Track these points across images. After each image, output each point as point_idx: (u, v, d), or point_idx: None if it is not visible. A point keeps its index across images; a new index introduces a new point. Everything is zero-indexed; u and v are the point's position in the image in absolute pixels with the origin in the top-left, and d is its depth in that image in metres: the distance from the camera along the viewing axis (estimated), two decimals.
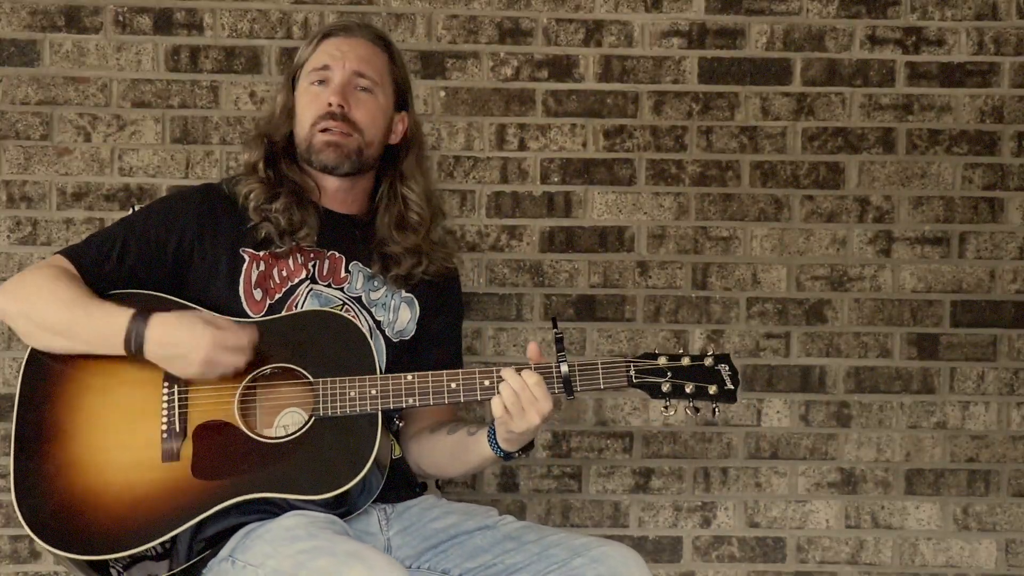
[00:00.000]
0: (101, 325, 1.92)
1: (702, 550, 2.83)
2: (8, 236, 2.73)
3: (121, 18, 2.75)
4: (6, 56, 2.73)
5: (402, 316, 2.15)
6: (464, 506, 2.12)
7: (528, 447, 2.00)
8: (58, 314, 1.93)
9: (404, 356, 2.14)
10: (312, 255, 2.10)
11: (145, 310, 1.92)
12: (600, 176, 2.82)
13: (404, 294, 2.15)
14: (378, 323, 2.11)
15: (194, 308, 1.99)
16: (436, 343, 2.19)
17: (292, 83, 2.18)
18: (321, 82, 2.11)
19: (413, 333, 2.16)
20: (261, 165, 2.12)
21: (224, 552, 1.91)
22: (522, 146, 2.80)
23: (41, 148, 2.74)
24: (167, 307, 1.97)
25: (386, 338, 2.12)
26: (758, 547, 2.83)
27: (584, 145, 2.81)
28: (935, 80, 2.85)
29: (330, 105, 2.08)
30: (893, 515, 2.84)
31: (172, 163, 2.76)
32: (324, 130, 2.09)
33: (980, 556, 2.84)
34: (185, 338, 1.90)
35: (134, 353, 1.91)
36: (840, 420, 2.84)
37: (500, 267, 2.80)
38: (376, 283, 2.13)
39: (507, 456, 1.99)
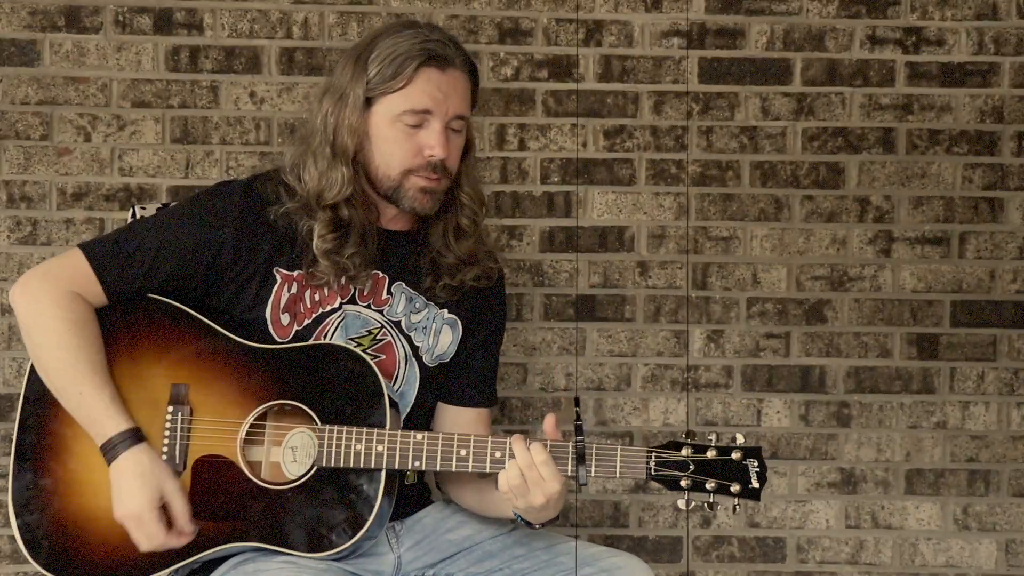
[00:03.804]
0: (87, 416, 1.86)
1: (702, 550, 2.83)
2: (8, 236, 2.73)
3: (121, 18, 2.75)
4: (6, 56, 2.73)
5: (443, 340, 2.05)
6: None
7: (553, 519, 1.89)
8: (55, 375, 1.87)
9: (439, 378, 2.07)
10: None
11: (136, 434, 1.85)
12: (600, 176, 2.82)
13: (447, 315, 2.05)
14: (415, 349, 2.03)
15: (215, 335, 1.91)
16: (472, 360, 2.10)
17: (367, 101, 1.94)
18: (417, 125, 1.93)
19: (453, 355, 2.07)
20: (343, 206, 1.94)
21: None
22: (522, 146, 2.80)
23: (41, 148, 2.74)
24: (184, 334, 1.90)
25: (422, 365, 2.03)
26: (758, 547, 2.83)
27: (584, 145, 2.81)
28: (935, 80, 2.85)
29: (432, 157, 1.92)
30: (893, 515, 2.84)
31: (172, 163, 2.76)
32: (425, 179, 1.94)
33: (980, 556, 2.84)
34: (125, 490, 1.83)
35: (103, 456, 1.85)
36: (840, 420, 2.84)
37: None
38: (418, 305, 2.03)
39: (528, 524, 1.90)
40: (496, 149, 2.80)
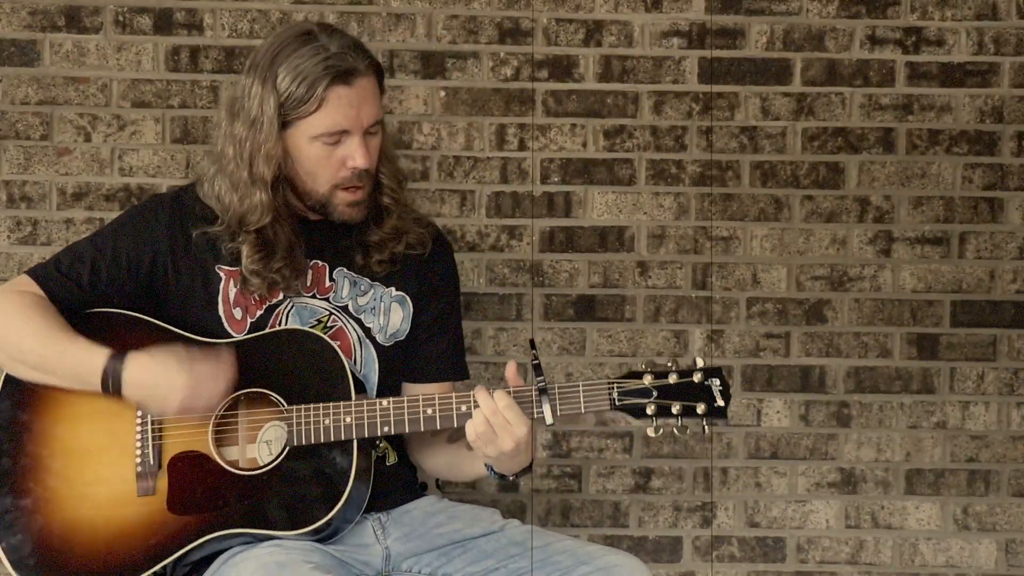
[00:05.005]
0: (76, 365, 1.88)
1: (702, 550, 2.83)
2: (8, 236, 2.74)
3: (121, 18, 2.75)
4: (6, 56, 2.73)
5: (394, 318, 2.07)
6: (469, 509, 2.08)
7: (526, 469, 1.93)
8: (31, 349, 1.89)
9: (399, 358, 2.08)
10: None
11: (121, 350, 1.87)
12: (600, 176, 2.82)
13: (395, 293, 2.07)
14: (367, 330, 2.05)
15: (173, 336, 1.94)
16: (432, 334, 2.11)
17: (283, 125, 1.93)
18: (335, 143, 1.94)
19: (408, 331, 2.09)
20: (267, 227, 1.96)
21: None
22: (522, 146, 2.81)
23: (41, 148, 2.74)
24: (144, 339, 1.91)
25: (377, 345, 2.06)
26: (758, 547, 2.83)
27: (584, 145, 2.81)
28: (935, 80, 2.85)
29: (356, 168, 1.95)
30: (893, 515, 2.84)
31: (172, 163, 2.76)
32: (349, 189, 1.97)
33: (980, 556, 2.84)
34: (161, 381, 1.85)
35: (111, 395, 1.87)
36: (840, 420, 2.84)
37: (500, 267, 2.80)
38: (363, 287, 2.06)
39: (502, 477, 1.94)
40: (496, 149, 2.80)
